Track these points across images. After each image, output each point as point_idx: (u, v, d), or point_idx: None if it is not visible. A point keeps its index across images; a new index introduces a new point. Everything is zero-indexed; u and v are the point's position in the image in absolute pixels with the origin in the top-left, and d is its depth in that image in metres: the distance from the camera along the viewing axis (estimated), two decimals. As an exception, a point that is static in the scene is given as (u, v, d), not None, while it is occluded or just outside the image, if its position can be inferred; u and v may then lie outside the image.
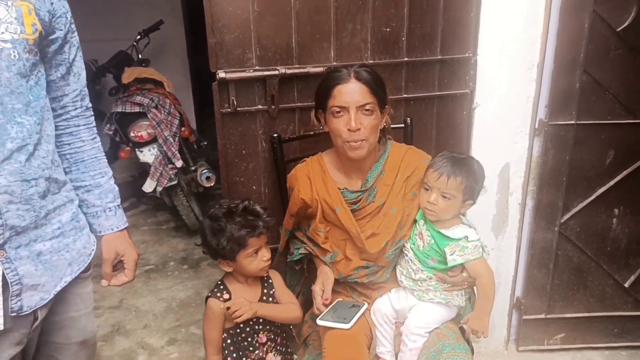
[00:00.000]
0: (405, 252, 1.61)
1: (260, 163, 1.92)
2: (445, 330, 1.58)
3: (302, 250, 1.68)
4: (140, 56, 3.83)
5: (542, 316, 2.28)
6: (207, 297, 1.63)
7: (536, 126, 2.05)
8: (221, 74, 1.75)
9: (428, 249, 1.55)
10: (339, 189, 1.60)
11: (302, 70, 1.81)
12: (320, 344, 1.57)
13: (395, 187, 1.59)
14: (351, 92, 1.48)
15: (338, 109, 1.49)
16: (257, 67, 1.79)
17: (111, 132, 3.26)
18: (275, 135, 1.81)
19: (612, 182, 2.10)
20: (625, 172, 2.10)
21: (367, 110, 1.49)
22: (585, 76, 1.96)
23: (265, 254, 1.59)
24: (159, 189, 3.18)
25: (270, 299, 1.66)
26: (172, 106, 3.29)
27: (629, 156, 2.08)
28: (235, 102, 1.81)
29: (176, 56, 4.63)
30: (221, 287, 1.64)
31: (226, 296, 1.61)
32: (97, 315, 2.68)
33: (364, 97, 1.49)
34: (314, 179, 1.61)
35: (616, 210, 2.15)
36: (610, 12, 1.89)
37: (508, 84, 2.00)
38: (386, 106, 1.58)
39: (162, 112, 3.15)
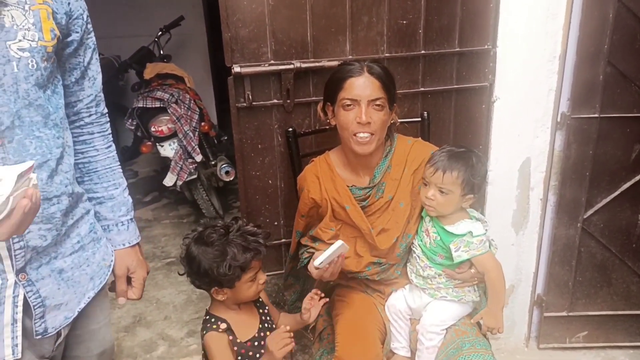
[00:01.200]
0: (414, 249, 1.60)
1: (276, 157, 1.92)
2: (463, 326, 1.56)
3: (306, 255, 1.65)
4: (161, 52, 3.87)
5: (564, 314, 2.24)
6: (203, 335, 1.44)
7: (558, 120, 2.00)
8: (236, 69, 1.76)
9: (435, 246, 1.53)
10: (348, 186, 1.59)
11: (317, 64, 1.80)
12: (334, 338, 1.57)
13: (402, 182, 1.58)
14: (363, 86, 1.47)
15: (349, 102, 1.48)
16: (272, 62, 1.79)
17: (133, 127, 3.32)
18: (291, 129, 1.80)
19: (637, 177, 2.04)
20: (651, 167, 2.03)
21: (378, 105, 1.48)
22: (610, 68, 1.90)
23: (262, 277, 1.46)
24: (180, 183, 3.22)
25: (268, 318, 1.55)
26: (192, 101, 3.32)
27: (656, 150, 2.01)
28: (250, 97, 1.81)
29: (197, 52, 4.66)
30: (212, 319, 1.45)
31: (224, 326, 1.44)
32: (119, 306, 2.73)
33: (375, 92, 1.47)
34: (323, 178, 1.61)
35: (642, 207, 2.09)
36: (636, 1, 1.82)
37: (528, 76, 1.95)
38: (394, 104, 1.56)
39: (182, 107, 3.19)
